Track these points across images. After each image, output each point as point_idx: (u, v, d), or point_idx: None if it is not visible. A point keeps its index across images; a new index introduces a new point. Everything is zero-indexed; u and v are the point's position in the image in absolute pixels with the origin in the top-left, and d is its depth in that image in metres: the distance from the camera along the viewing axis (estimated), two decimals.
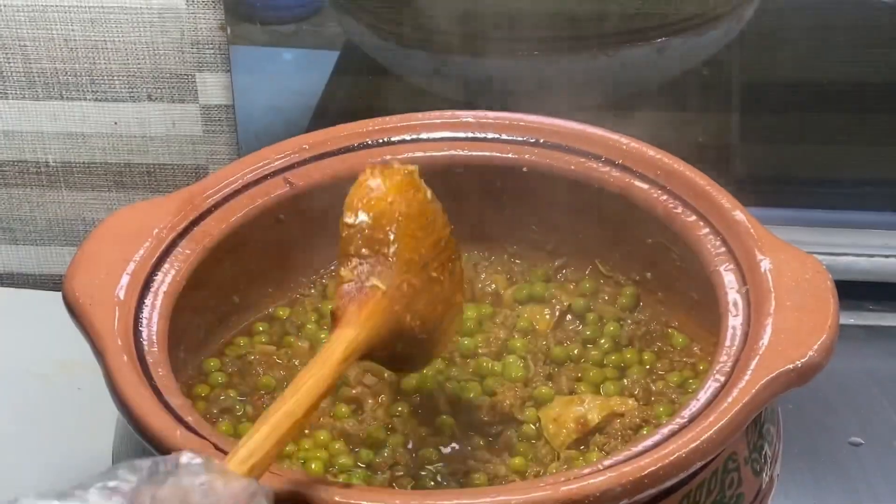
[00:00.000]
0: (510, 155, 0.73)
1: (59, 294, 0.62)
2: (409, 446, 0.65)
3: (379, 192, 0.59)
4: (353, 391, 0.67)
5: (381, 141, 0.73)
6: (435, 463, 0.64)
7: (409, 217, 0.59)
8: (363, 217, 0.58)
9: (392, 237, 0.58)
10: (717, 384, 0.57)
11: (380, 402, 0.67)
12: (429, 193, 0.61)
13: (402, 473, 0.63)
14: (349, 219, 0.58)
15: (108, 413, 0.60)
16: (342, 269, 0.57)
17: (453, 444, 0.65)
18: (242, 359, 0.70)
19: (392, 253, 0.57)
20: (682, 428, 0.54)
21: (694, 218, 0.67)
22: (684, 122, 0.95)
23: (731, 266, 0.63)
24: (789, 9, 0.95)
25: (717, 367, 0.58)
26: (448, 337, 0.63)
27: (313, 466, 0.62)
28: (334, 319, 0.56)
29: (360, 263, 0.57)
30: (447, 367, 0.69)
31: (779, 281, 0.61)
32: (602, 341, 0.71)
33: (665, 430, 0.54)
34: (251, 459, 0.49)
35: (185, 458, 0.47)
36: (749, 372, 0.56)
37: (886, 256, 0.93)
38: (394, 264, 0.57)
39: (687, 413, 0.55)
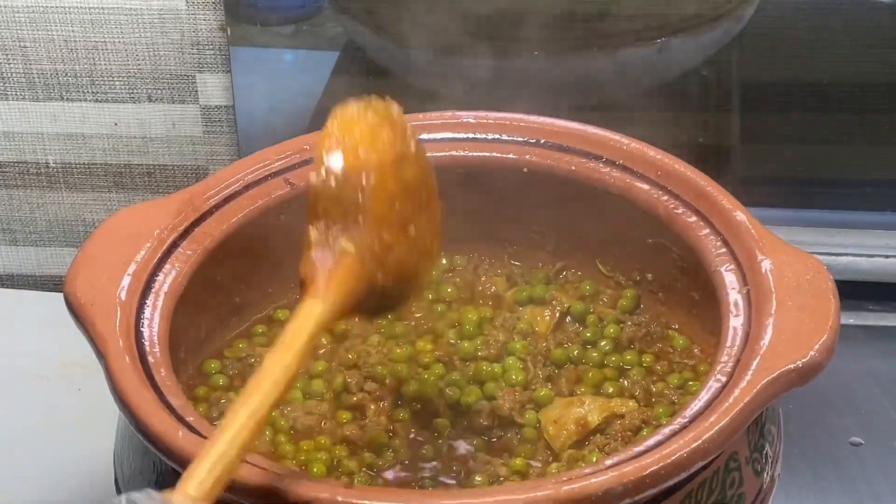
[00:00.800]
0: (510, 155, 0.73)
1: (60, 295, 0.62)
2: (411, 449, 0.65)
3: (347, 144, 0.54)
4: (355, 398, 0.67)
5: None
6: (435, 464, 0.64)
7: (382, 167, 0.55)
8: (331, 175, 0.54)
9: (362, 195, 0.54)
10: (719, 384, 0.57)
11: (381, 408, 0.67)
12: (408, 130, 0.57)
13: (403, 475, 0.63)
14: (316, 178, 0.54)
15: (108, 413, 0.60)
16: (311, 230, 0.54)
17: (454, 447, 0.65)
18: (242, 361, 0.70)
19: (363, 211, 0.54)
20: (684, 428, 0.54)
21: (695, 218, 0.67)
22: (684, 123, 0.95)
23: (732, 266, 0.63)
24: (789, 9, 0.95)
25: (719, 368, 0.58)
26: (423, 285, 0.61)
27: (315, 470, 0.62)
28: (302, 287, 0.54)
29: (330, 225, 0.54)
30: (447, 371, 0.69)
31: (780, 281, 0.61)
32: (602, 343, 0.70)
33: (666, 430, 0.54)
34: (210, 478, 0.47)
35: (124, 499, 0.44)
36: (750, 372, 0.56)
37: (887, 257, 0.93)
38: (365, 223, 0.54)
39: (688, 413, 0.55)
